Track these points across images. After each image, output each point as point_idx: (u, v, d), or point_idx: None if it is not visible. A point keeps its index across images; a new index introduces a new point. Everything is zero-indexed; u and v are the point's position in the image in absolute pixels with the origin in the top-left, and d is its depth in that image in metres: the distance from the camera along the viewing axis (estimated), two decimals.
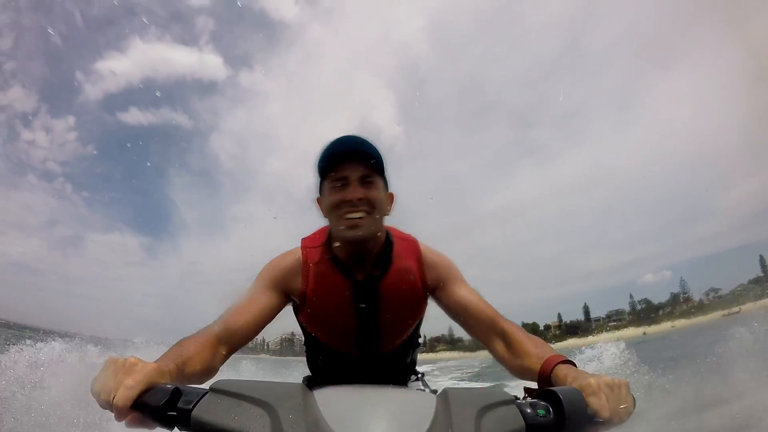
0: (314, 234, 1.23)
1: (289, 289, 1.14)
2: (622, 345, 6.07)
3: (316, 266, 1.15)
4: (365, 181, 1.07)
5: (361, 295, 1.14)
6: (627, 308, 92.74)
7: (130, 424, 0.65)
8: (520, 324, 1.10)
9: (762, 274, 79.94)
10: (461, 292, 1.16)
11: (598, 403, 0.70)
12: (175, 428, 0.63)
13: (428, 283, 1.19)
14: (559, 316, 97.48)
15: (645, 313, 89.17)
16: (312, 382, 1.36)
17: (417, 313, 1.22)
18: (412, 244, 1.22)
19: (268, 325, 1.11)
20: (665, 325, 78.84)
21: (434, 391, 1.06)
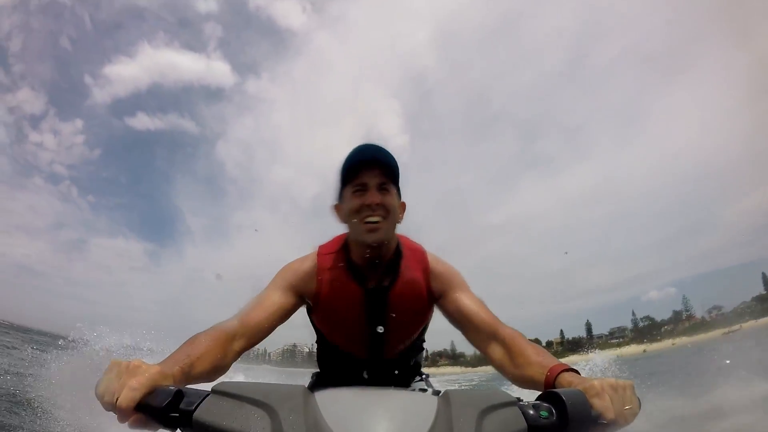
0: (330, 241, 1.28)
1: (303, 291, 1.19)
2: (612, 359, 6.32)
3: (330, 272, 1.20)
4: (382, 188, 1.12)
5: (370, 302, 1.19)
6: (629, 325, 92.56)
7: (133, 426, 0.66)
8: None
9: (765, 292, 79.34)
10: (463, 300, 1.18)
11: (602, 404, 0.69)
12: (178, 429, 0.64)
13: (433, 293, 1.23)
14: (562, 332, 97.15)
15: (647, 330, 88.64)
16: (320, 378, 1.45)
17: (422, 321, 1.29)
18: (419, 255, 1.25)
19: (275, 329, 1.15)
20: (666, 343, 78.25)
21: (437, 393, 1.07)
